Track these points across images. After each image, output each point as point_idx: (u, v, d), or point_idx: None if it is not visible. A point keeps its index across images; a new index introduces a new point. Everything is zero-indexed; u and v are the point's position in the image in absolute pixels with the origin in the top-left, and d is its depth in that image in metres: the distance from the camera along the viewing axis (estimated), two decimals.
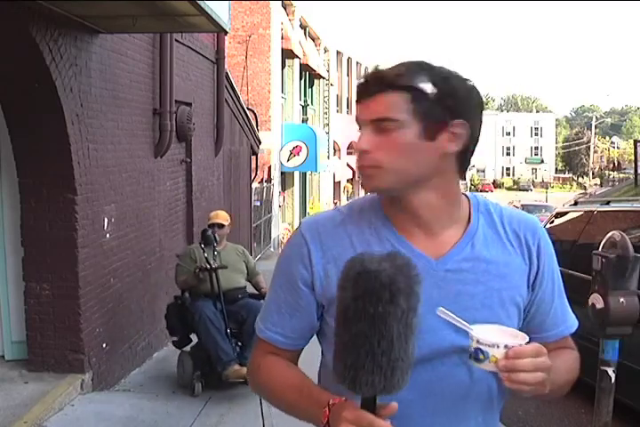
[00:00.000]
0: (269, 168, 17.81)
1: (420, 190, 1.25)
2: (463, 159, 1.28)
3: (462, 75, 1.27)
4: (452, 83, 1.22)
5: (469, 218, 1.32)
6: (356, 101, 1.25)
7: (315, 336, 1.38)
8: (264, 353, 1.35)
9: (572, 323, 1.40)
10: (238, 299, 5.55)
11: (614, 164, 72.13)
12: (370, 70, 1.26)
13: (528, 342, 1.14)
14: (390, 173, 1.21)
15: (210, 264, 5.33)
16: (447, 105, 1.21)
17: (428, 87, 1.20)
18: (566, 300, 1.40)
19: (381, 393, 1.05)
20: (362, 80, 1.24)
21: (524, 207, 28.81)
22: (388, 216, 1.30)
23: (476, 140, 1.29)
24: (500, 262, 1.29)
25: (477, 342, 1.12)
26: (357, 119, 1.25)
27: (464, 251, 1.28)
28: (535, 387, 1.12)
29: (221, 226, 5.70)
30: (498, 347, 1.11)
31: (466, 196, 1.35)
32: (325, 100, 26.13)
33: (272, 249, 17.22)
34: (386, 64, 1.28)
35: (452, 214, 1.30)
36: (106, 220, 5.20)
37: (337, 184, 30.71)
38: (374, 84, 1.22)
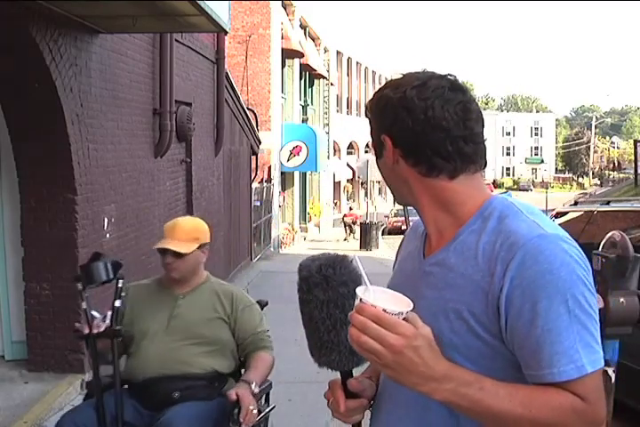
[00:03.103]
0: (269, 168, 17.82)
1: (407, 198, 1.35)
2: (417, 164, 1.27)
3: (393, 84, 1.30)
4: (372, 102, 1.33)
5: (468, 222, 1.29)
6: None
7: None
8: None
9: (561, 371, 1.12)
10: (173, 400, 2.69)
11: (614, 164, 72.17)
12: None
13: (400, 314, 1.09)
14: (393, 186, 1.37)
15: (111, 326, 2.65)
16: (372, 124, 1.34)
17: (370, 111, 1.34)
18: (570, 342, 1.13)
19: (327, 367, 1.25)
20: None
21: None
22: None
23: (415, 143, 1.26)
24: (458, 272, 1.23)
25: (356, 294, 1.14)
26: None
27: (441, 255, 1.28)
28: (361, 350, 1.09)
29: (178, 256, 2.78)
30: (356, 299, 1.11)
31: (490, 196, 1.30)
32: (325, 100, 26.14)
33: (272, 249, 17.22)
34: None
35: (444, 217, 1.30)
36: (106, 220, 5.20)
37: (337, 184, 30.74)
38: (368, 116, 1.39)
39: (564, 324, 1.13)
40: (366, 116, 1.38)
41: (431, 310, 1.21)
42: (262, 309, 3.17)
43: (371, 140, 1.35)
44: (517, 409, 1.11)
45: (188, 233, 2.81)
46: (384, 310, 1.08)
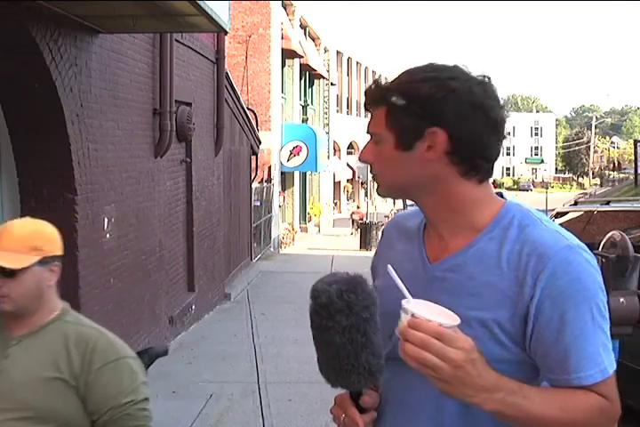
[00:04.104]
0: (269, 168, 17.82)
1: (422, 196, 1.31)
2: (461, 163, 1.24)
3: (454, 75, 1.24)
4: (423, 90, 1.22)
5: (486, 229, 1.28)
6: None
7: None
8: None
9: (588, 375, 1.19)
10: None
11: (614, 164, 72.16)
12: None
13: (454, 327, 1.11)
14: (385, 181, 1.32)
15: None
16: (416, 113, 1.23)
17: (397, 99, 1.24)
18: (594, 347, 1.20)
19: (342, 388, 1.23)
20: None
21: None
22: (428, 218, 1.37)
23: (473, 142, 1.24)
24: (480, 281, 1.23)
25: (401, 306, 1.15)
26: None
27: (455, 261, 1.28)
28: (422, 367, 1.08)
29: (7, 274, 1.77)
30: (407, 314, 1.12)
31: (505, 202, 1.31)
32: (325, 100, 26.13)
33: (272, 249, 17.22)
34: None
35: (460, 221, 1.29)
36: (106, 220, 5.20)
37: (337, 184, 30.73)
38: (368, 102, 1.31)
39: (590, 330, 1.19)
40: (390, 100, 1.25)
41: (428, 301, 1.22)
42: (151, 362, 2.44)
43: (390, 127, 1.26)
44: (555, 413, 1.16)
45: (23, 240, 1.78)
46: (439, 325, 1.09)
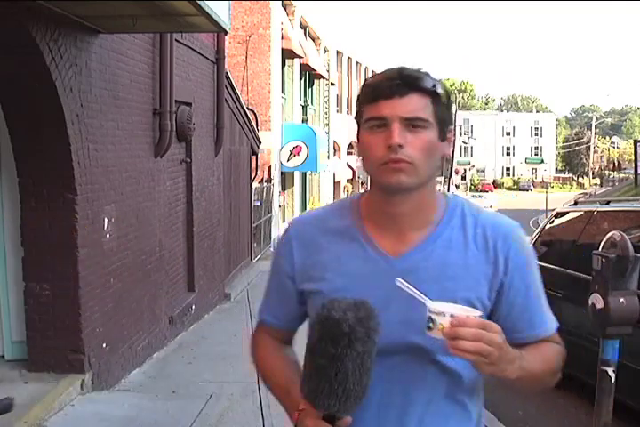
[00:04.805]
0: (269, 168, 17.81)
1: (419, 189, 1.37)
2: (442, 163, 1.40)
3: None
4: (449, 90, 1.37)
5: (442, 220, 1.41)
6: (382, 98, 1.31)
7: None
8: (262, 334, 1.57)
9: (549, 327, 1.46)
10: None
11: (614, 164, 72.14)
12: (396, 70, 1.34)
13: (480, 317, 1.24)
14: (419, 169, 1.32)
15: None
16: (449, 109, 1.36)
17: (443, 94, 1.34)
18: (543, 303, 1.45)
19: (337, 413, 1.24)
20: (392, 79, 1.32)
21: None
22: (363, 217, 1.43)
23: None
24: (458, 265, 1.37)
25: (429, 311, 1.23)
26: (383, 115, 1.31)
27: (424, 251, 1.38)
28: (479, 358, 1.19)
29: None
30: (444, 315, 1.21)
31: (446, 196, 1.45)
32: (325, 100, 26.13)
33: (272, 249, 17.22)
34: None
35: (425, 216, 1.40)
36: (106, 220, 5.20)
37: (337, 184, 30.71)
38: (406, 85, 1.31)
39: (540, 291, 1.46)
40: (438, 91, 1.33)
41: (443, 299, 1.28)
42: None
43: (435, 116, 1.32)
44: (542, 366, 1.38)
45: None
46: (475, 317, 1.23)
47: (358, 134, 1.39)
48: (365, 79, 1.42)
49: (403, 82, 1.31)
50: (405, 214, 1.38)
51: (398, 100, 1.30)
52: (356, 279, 1.38)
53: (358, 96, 1.39)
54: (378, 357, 1.26)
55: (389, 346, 1.32)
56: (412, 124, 1.31)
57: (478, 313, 1.25)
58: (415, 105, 1.31)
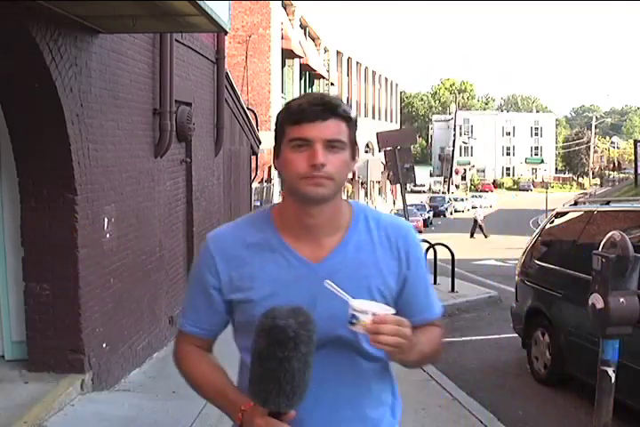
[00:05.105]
0: (269, 168, 17.82)
1: (331, 200, 1.55)
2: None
3: None
4: (353, 114, 1.58)
5: (350, 225, 1.61)
6: (305, 122, 1.49)
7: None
8: (186, 344, 1.70)
9: (437, 310, 1.73)
10: None
11: (614, 164, 72.14)
12: (318, 96, 1.53)
13: (394, 315, 1.45)
14: (337, 184, 1.53)
15: None
16: (355, 131, 1.57)
17: (354, 119, 1.56)
18: (433, 292, 1.73)
19: (285, 409, 1.39)
20: (315, 104, 1.50)
21: None
22: (278, 227, 1.60)
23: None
24: (369, 263, 1.59)
25: (353, 309, 1.42)
26: (307, 137, 1.49)
27: (339, 255, 1.58)
28: (394, 349, 1.42)
29: None
30: (367, 313, 1.41)
31: (350, 204, 1.66)
32: None
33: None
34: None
35: (336, 223, 1.60)
36: (106, 220, 5.20)
37: None
38: (327, 110, 1.50)
39: (429, 281, 1.74)
40: (351, 117, 1.56)
41: (355, 294, 1.48)
42: None
43: (349, 138, 1.54)
44: (429, 346, 1.62)
45: None
46: (392, 315, 1.43)
47: (279, 151, 1.56)
48: (287, 102, 1.58)
49: (325, 108, 1.49)
50: (320, 223, 1.57)
51: (321, 124, 1.48)
52: (283, 285, 1.55)
53: (279, 116, 1.56)
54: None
55: (320, 340, 1.46)
56: (332, 145, 1.50)
57: (392, 311, 1.46)
58: (335, 129, 1.50)
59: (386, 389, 1.71)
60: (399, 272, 1.62)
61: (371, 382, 1.64)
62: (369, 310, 1.41)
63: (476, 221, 29.75)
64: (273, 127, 1.59)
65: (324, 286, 1.49)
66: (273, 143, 1.59)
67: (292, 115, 1.50)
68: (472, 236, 29.23)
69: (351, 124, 1.54)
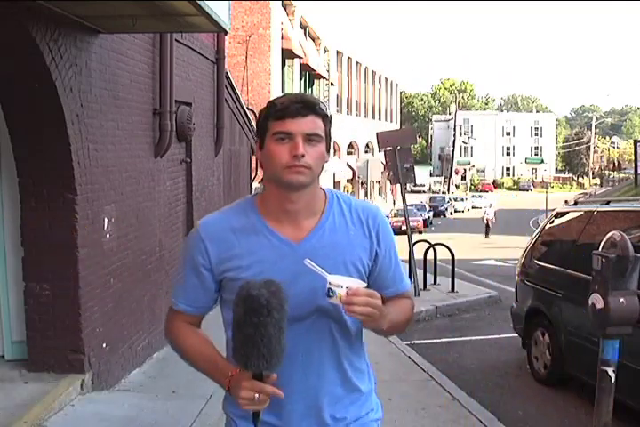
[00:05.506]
0: None
1: (310, 186, 1.76)
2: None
3: None
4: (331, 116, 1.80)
5: (325, 209, 1.82)
6: (287, 117, 1.69)
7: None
8: (178, 320, 1.88)
9: (406, 283, 1.95)
10: None
11: (614, 164, 72.16)
12: (299, 95, 1.74)
13: (366, 288, 1.65)
14: (314, 173, 1.74)
15: None
16: (330, 129, 1.77)
17: (330, 116, 1.77)
18: (402, 267, 1.93)
19: (266, 370, 1.56)
20: (297, 102, 1.70)
21: None
22: (261, 213, 1.80)
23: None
24: (344, 242, 1.80)
25: (330, 283, 1.62)
26: (290, 131, 1.69)
27: (317, 235, 1.79)
28: (367, 318, 1.62)
29: None
30: (342, 287, 1.60)
31: (324, 191, 1.85)
32: (325, 100, 26.14)
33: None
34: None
35: (313, 207, 1.80)
36: (106, 220, 5.20)
37: (337, 184, 30.72)
38: (307, 108, 1.70)
39: (397, 255, 1.92)
40: (327, 113, 1.77)
41: (333, 270, 1.69)
42: None
43: (325, 133, 1.74)
44: (400, 317, 1.84)
45: None
46: (364, 287, 1.64)
47: (262, 143, 1.75)
48: (270, 100, 1.79)
49: (304, 105, 1.69)
50: (300, 207, 1.77)
51: (301, 120, 1.69)
52: (268, 264, 1.74)
53: (261, 113, 1.76)
54: (296, 322, 1.68)
55: (303, 312, 1.72)
56: (310, 138, 1.70)
57: (364, 284, 1.68)
58: (313, 124, 1.71)
59: (361, 355, 1.91)
60: (370, 248, 1.83)
61: (349, 349, 1.84)
62: (343, 284, 1.61)
63: (485, 220, 29.46)
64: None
65: (304, 263, 1.68)
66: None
67: (276, 111, 1.70)
68: (487, 236, 29.05)
69: (327, 120, 1.75)
